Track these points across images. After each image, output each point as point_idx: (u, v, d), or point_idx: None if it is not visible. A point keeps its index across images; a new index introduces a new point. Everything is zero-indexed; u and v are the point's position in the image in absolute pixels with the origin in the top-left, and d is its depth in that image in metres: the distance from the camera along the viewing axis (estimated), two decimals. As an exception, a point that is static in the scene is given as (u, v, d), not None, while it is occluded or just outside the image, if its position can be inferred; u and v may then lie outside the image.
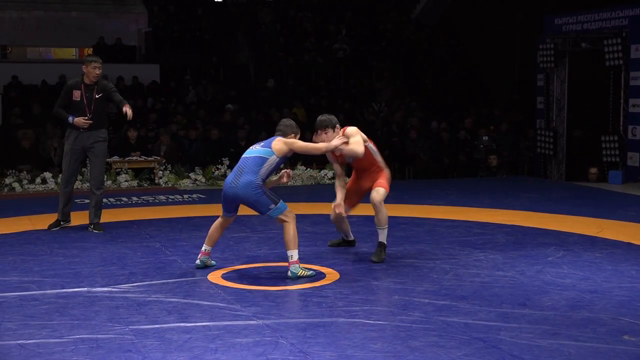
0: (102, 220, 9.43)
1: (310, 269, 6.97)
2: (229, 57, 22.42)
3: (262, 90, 20.01)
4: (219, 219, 7.28)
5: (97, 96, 9.22)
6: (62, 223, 9.48)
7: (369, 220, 9.85)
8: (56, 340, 5.14)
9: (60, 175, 13.60)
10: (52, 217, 9.63)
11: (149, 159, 14.33)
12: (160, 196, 12.49)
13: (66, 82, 9.81)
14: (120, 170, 13.93)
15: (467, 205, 11.26)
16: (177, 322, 5.53)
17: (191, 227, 9.55)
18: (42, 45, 23.94)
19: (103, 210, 9.61)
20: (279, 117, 17.64)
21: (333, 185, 7.70)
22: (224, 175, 14.40)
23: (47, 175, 13.52)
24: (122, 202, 11.83)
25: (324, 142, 7.27)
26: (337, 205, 7.49)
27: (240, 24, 23.04)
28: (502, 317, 5.66)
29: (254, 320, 5.57)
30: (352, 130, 7.35)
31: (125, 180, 13.71)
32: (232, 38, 23.08)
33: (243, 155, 7.01)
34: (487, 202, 11.61)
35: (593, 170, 14.80)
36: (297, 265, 6.82)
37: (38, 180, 13.46)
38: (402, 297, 6.21)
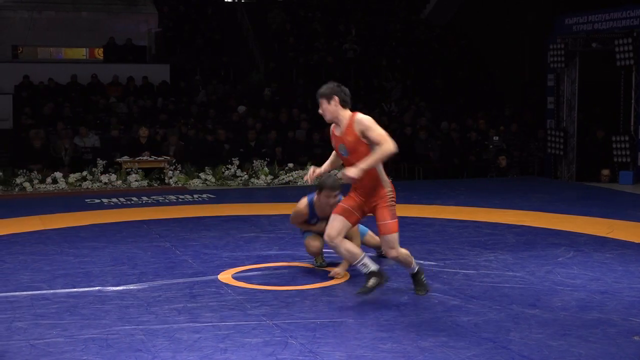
0: (113, 220, 9.44)
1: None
2: (239, 57, 22.44)
3: (269, 92, 19.98)
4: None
5: None
6: None
7: (371, 219, 9.85)
8: (67, 339, 5.16)
9: (71, 175, 13.73)
10: (63, 217, 9.66)
11: (159, 158, 14.36)
12: (170, 196, 12.52)
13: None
14: (130, 170, 13.97)
15: (477, 206, 11.24)
16: (187, 322, 5.54)
17: (201, 226, 9.57)
18: (53, 46, 23.98)
19: (113, 210, 9.62)
20: (286, 117, 17.66)
21: (346, 185, 7.37)
22: (234, 175, 14.42)
23: (58, 175, 13.58)
24: (132, 202, 11.85)
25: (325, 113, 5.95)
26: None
27: (250, 28, 23.04)
28: (512, 317, 5.65)
29: (263, 320, 5.58)
30: (367, 119, 5.86)
31: (136, 180, 13.75)
32: (244, 42, 23.08)
33: None
34: (497, 202, 11.59)
35: (605, 172, 14.74)
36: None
37: (49, 180, 13.52)
38: (412, 298, 6.21)
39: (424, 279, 6.39)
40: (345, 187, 6.35)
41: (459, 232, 9.11)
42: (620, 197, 12.49)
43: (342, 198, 6.40)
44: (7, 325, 5.46)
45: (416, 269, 6.34)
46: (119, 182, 13.72)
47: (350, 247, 6.12)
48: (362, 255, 6.09)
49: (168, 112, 18.33)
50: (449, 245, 8.32)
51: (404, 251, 6.19)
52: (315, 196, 6.94)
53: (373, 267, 6.08)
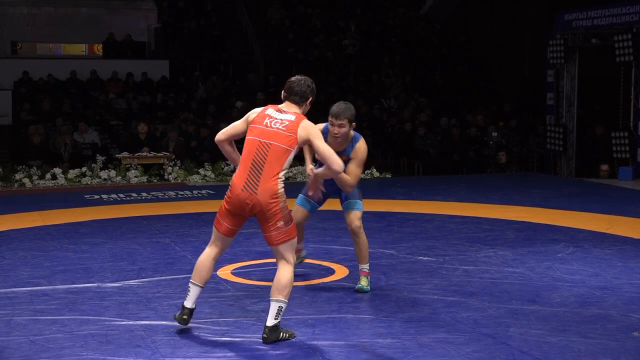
0: (113, 216, 9.43)
1: None
2: (238, 53, 22.43)
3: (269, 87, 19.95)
4: None
5: None
6: None
7: (371, 214, 9.87)
8: (66, 335, 5.16)
9: (70, 171, 13.74)
10: (62, 213, 9.64)
11: (159, 154, 14.36)
12: (169, 192, 12.51)
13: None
14: (129, 166, 13.97)
15: (476, 202, 11.24)
16: (186, 318, 5.53)
17: (201, 222, 9.56)
18: (52, 41, 23.98)
19: (113, 206, 9.61)
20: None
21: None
22: (234, 171, 14.40)
23: (57, 171, 13.58)
24: (131, 198, 11.84)
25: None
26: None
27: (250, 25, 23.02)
28: (512, 313, 5.65)
29: (263, 316, 5.56)
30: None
31: (135, 176, 13.74)
32: (243, 38, 23.06)
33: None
34: (496, 198, 11.59)
35: (604, 167, 14.74)
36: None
37: (48, 176, 13.51)
38: (411, 293, 6.21)
39: None
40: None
41: (458, 228, 9.10)
42: (619, 193, 12.48)
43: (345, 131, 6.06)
44: (6, 321, 5.46)
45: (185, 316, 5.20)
46: (119, 178, 13.71)
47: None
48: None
49: (167, 108, 18.32)
50: (449, 241, 8.31)
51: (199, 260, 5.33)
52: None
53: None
